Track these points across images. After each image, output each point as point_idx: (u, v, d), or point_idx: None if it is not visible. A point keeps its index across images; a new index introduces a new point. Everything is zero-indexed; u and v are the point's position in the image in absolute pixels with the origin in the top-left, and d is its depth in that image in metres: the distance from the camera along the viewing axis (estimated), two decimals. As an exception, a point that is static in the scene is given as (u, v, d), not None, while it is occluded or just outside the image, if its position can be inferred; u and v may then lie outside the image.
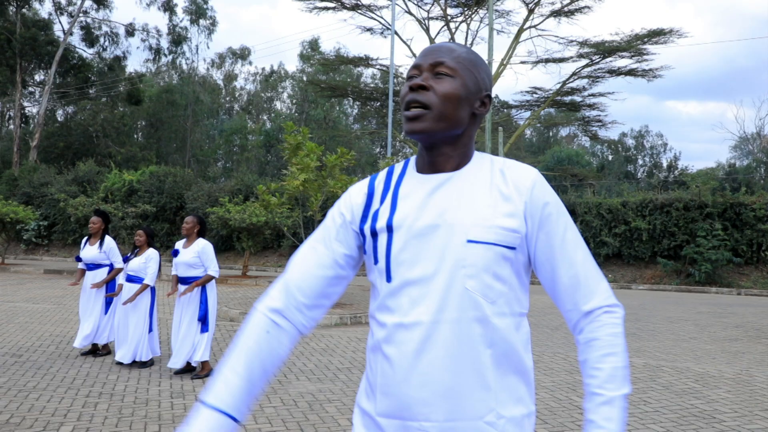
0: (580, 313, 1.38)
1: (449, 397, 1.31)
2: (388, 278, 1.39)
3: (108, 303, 7.04)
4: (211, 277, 6.18)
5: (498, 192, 1.38)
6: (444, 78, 1.40)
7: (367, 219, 1.46)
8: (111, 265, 7.10)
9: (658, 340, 8.78)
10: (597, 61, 25.61)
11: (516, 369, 1.37)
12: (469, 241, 1.34)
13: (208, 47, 71.69)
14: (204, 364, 6.21)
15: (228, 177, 33.37)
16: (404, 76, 29.13)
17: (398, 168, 1.52)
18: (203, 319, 6.16)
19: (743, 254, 17.85)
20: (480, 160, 1.46)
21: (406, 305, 1.35)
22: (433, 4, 26.67)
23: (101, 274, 7.09)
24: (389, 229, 1.40)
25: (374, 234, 1.42)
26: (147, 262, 6.55)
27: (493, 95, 1.44)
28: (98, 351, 7.07)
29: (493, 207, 1.36)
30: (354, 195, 1.52)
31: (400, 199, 1.43)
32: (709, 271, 17.27)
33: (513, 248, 1.36)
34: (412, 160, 1.51)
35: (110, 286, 7.13)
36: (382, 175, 1.53)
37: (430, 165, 1.44)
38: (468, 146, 1.45)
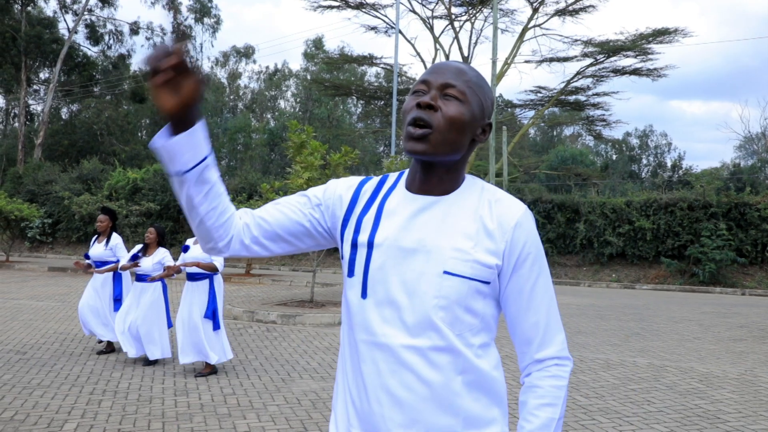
0: (532, 358, 1.40)
1: (418, 420, 1.33)
2: (363, 294, 1.39)
3: (117, 302, 7.05)
4: (214, 267, 6.17)
5: (482, 225, 1.37)
6: (452, 101, 1.38)
7: (348, 224, 1.45)
8: (117, 262, 7.12)
9: (662, 340, 8.76)
10: (601, 60, 25.54)
11: (487, 392, 1.38)
12: (446, 273, 1.34)
13: (213, 46, 71.80)
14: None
15: (232, 175, 33.40)
16: (408, 75, 29.24)
17: (391, 179, 1.50)
18: (212, 317, 6.16)
19: (748, 254, 17.80)
20: (470, 186, 1.44)
21: (378, 324, 1.36)
22: (437, 3, 26.63)
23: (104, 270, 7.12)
24: (370, 245, 1.39)
25: (354, 245, 1.42)
26: (161, 262, 6.55)
27: (495, 110, 1.41)
28: (104, 350, 7.07)
29: (475, 240, 1.36)
30: (341, 191, 1.50)
31: (384, 214, 1.42)
32: (713, 271, 17.22)
33: (488, 283, 1.37)
34: (406, 173, 1.49)
35: (117, 287, 7.14)
36: (372, 182, 1.51)
37: (421, 184, 1.42)
38: (461, 171, 1.44)
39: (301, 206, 1.49)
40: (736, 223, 18.01)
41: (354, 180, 1.52)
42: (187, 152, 1.29)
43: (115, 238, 7.21)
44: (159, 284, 6.60)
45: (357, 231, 1.42)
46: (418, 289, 1.34)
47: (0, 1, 31.16)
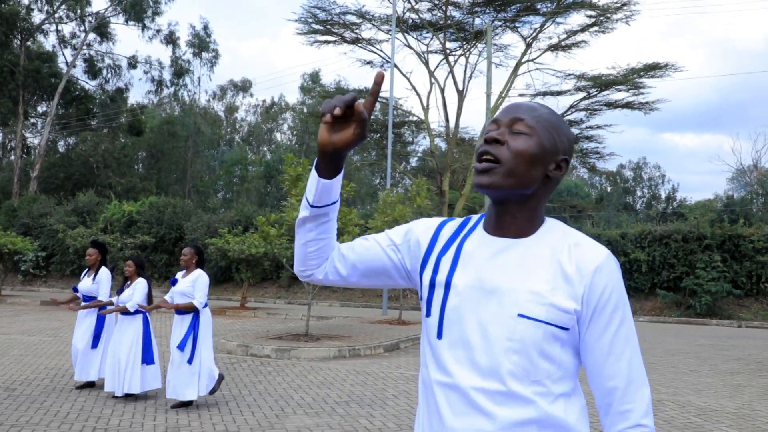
0: (616, 413, 1.35)
1: None
2: (439, 335, 1.39)
3: (96, 338, 6.93)
4: (192, 307, 6.09)
5: (560, 269, 1.34)
6: (520, 135, 1.38)
7: (427, 265, 1.47)
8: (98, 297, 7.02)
9: (659, 373, 8.70)
10: (594, 94, 25.89)
11: None
12: (520, 315, 1.31)
13: (210, 79, 72.47)
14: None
15: (228, 208, 33.41)
16: (403, 108, 29.46)
17: (472, 221, 1.51)
18: (183, 348, 6.04)
19: (743, 286, 17.80)
20: (551, 229, 1.42)
21: (452, 365, 1.35)
22: (432, 38, 27.04)
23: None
24: (447, 285, 1.40)
25: (432, 285, 1.43)
26: (133, 292, 6.50)
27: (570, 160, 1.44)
28: (83, 385, 6.93)
29: (552, 284, 1.33)
30: (420, 232, 1.53)
31: (462, 255, 1.42)
32: (709, 303, 17.19)
33: (566, 329, 1.33)
34: (484, 219, 1.49)
35: (99, 324, 6.98)
36: (453, 224, 1.52)
37: (496, 223, 1.42)
38: (537, 210, 1.42)
39: (384, 245, 1.53)
40: (730, 254, 18.05)
41: (434, 221, 1.55)
42: (334, 191, 1.42)
43: (103, 272, 7.09)
44: (141, 318, 6.53)
45: (435, 271, 1.44)
46: (492, 332, 1.33)
47: (0, 36, 31.49)
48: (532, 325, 1.31)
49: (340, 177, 1.42)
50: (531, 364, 1.31)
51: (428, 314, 1.43)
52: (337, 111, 1.31)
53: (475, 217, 1.52)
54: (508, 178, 1.36)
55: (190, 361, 6.04)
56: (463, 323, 1.36)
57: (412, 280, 1.53)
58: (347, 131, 1.35)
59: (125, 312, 6.48)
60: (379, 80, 1.33)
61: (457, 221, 1.53)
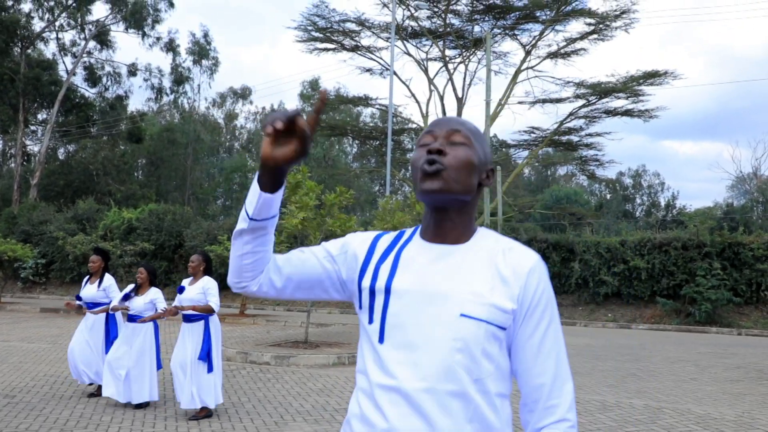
0: (543, 408, 1.40)
1: None
2: (381, 339, 1.42)
3: (109, 344, 6.93)
4: (210, 309, 6.12)
5: (497, 271, 1.41)
6: (460, 146, 1.45)
7: (366, 273, 1.49)
8: (110, 303, 7.03)
9: (658, 381, 8.69)
10: (593, 101, 25.95)
11: None
12: (462, 315, 1.37)
13: (210, 87, 72.66)
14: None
15: (227, 215, 33.44)
16: (402, 115, 29.54)
17: (407, 233, 1.56)
18: (206, 358, 6.08)
19: (743, 294, 17.79)
20: (484, 236, 1.49)
21: (394, 368, 1.38)
22: (431, 46, 27.14)
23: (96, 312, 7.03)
24: (387, 291, 1.43)
25: (372, 292, 1.46)
26: (153, 303, 6.49)
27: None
28: (95, 393, 6.94)
29: (491, 285, 1.40)
30: (357, 244, 1.55)
31: (401, 262, 1.46)
32: (709, 311, 17.18)
33: (504, 328, 1.39)
34: (420, 229, 1.55)
35: (113, 328, 7.02)
36: (389, 236, 1.57)
37: (435, 230, 1.47)
38: (471, 216, 1.50)
39: (320, 256, 1.55)
40: (730, 262, 18.05)
41: (370, 234, 1.58)
42: (274, 205, 1.42)
43: (108, 278, 7.14)
44: (151, 325, 6.53)
45: (375, 278, 1.47)
46: (435, 333, 1.37)
47: (0, 44, 31.58)
48: (474, 324, 1.36)
49: (281, 192, 1.42)
50: (474, 363, 1.36)
51: (370, 321, 1.45)
52: (278, 125, 1.31)
53: (409, 230, 1.57)
54: (454, 182, 1.42)
55: (210, 370, 6.07)
56: (406, 327, 1.39)
57: (347, 290, 1.55)
58: (289, 146, 1.35)
59: (134, 319, 6.47)
60: (323, 98, 1.36)
61: (392, 234, 1.57)
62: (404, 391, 1.35)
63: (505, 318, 1.39)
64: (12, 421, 5.75)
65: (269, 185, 1.39)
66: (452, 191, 1.42)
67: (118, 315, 7.16)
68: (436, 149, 1.43)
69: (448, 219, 1.46)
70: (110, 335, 6.98)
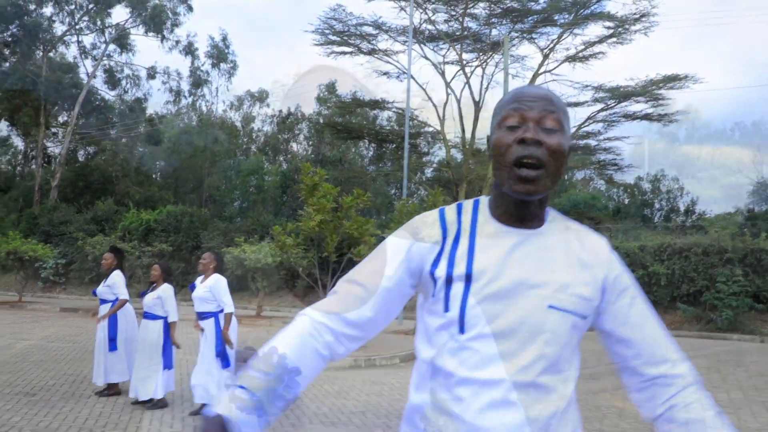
0: (674, 366, 1.44)
1: None
2: (461, 330, 1.33)
3: (112, 340, 6.95)
4: (230, 316, 6.13)
5: (576, 258, 1.38)
6: (554, 133, 1.35)
7: (439, 263, 1.38)
8: (116, 301, 7.06)
9: (679, 388, 8.56)
10: (612, 105, 25.76)
11: (574, 428, 1.39)
12: (551, 307, 1.33)
13: (228, 90, 73.13)
14: None
15: (244, 217, 33.58)
16: (419, 119, 29.41)
17: (468, 207, 1.45)
18: (221, 354, 6.10)
19: (765, 301, 17.51)
20: (554, 218, 1.45)
21: (478, 361, 1.31)
22: (448, 49, 27.09)
23: (107, 309, 7.05)
24: (467, 278, 1.34)
25: (449, 280, 1.35)
26: (161, 298, 6.50)
27: None
28: (104, 391, 6.97)
29: (574, 274, 1.36)
30: (426, 233, 1.41)
31: (478, 247, 1.37)
32: (730, 317, 16.93)
33: (585, 317, 1.37)
34: (484, 201, 1.45)
35: (112, 327, 7.01)
36: (452, 212, 1.44)
37: (516, 217, 1.39)
38: (548, 199, 1.44)
39: (389, 283, 1.40)
40: (752, 268, 17.78)
41: (433, 215, 1.45)
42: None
43: (114, 276, 7.10)
44: (160, 324, 6.51)
45: (451, 265, 1.36)
46: (524, 325, 1.32)
47: (23, 47, 32.04)
48: (561, 316, 1.34)
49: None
50: (560, 354, 1.33)
51: (447, 309, 1.35)
52: None
53: (469, 203, 1.46)
54: (552, 181, 1.36)
55: (226, 366, 6.09)
56: (490, 318, 1.32)
57: (419, 284, 1.43)
58: None
59: (149, 316, 6.50)
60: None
61: (452, 209, 1.45)
62: (496, 384, 1.30)
63: (588, 307, 1.37)
64: (33, 419, 5.79)
65: None
66: (546, 190, 1.36)
67: (129, 314, 7.12)
68: (533, 140, 1.32)
69: (532, 208, 1.40)
70: (110, 334, 6.98)
